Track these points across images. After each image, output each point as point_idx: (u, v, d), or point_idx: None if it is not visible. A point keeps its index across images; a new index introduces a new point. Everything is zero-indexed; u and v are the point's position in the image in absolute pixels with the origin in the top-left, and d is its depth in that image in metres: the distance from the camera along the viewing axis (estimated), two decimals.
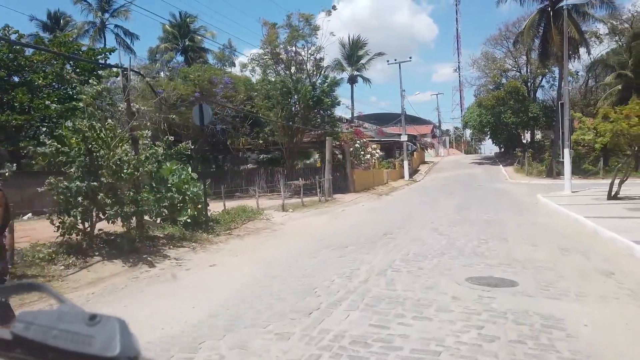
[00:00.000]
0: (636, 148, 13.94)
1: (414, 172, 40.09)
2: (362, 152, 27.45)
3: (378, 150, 30.29)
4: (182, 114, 23.65)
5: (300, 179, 18.54)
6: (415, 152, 45.67)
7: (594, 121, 33.61)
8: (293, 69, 22.97)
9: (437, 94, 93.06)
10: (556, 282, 5.30)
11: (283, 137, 23.40)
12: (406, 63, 44.03)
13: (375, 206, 17.58)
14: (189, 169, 10.56)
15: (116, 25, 45.09)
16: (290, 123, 21.67)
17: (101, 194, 7.07)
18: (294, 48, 22.13)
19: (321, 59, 23.56)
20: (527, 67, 43.27)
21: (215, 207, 13.31)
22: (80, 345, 0.54)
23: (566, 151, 18.18)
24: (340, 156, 25.40)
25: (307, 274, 5.87)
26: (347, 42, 43.19)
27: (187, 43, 42.49)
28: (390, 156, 41.30)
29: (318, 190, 18.94)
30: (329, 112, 23.12)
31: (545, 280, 5.38)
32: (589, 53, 32.06)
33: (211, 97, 23.25)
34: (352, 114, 40.58)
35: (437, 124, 69.38)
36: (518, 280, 5.38)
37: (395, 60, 35.47)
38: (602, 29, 38.49)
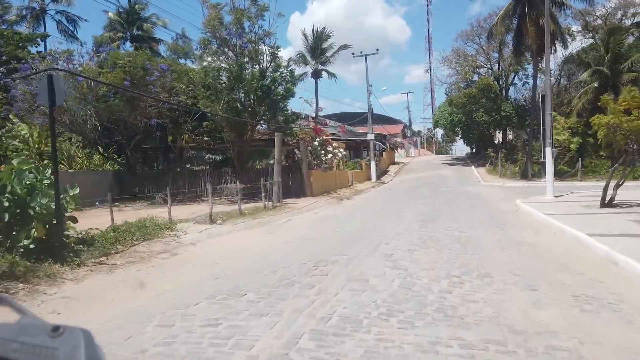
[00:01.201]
0: (635, 146, 11.60)
1: (382, 173, 37.62)
2: (323, 152, 24.63)
3: (341, 150, 27.54)
4: (112, 106, 20.35)
5: (237, 182, 15.53)
6: (384, 152, 43.31)
7: (569, 120, 32.21)
8: (246, 58, 19.89)
9: (407, 93, 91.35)
10: None
11: (230, 134, 20.32)
12: (379, 66, 41.75)
13: (329, 214, 14.78)
14: (48, 171, 7.41)
15: (57, 11, 40.93)
16: (234, 116, 18.59)
17: None
18: (239, 31, 19.04)
19: (277, 47, 20.56)
20: (499, 64, 41.52)
21: (148, 214, 10.27)
22: (43, 358, 0.52)
23: (548, 150, 15.84)
24: (300, 156, 22.54)
25: None
26: (310, 33, 40.30)
27: (135, 32, 38.69)
28: (358, 156, 38.74)
29: (263, 195, 15.98)
30: (281, 104, 20.13)
31: None
32: (564, 47, 30.26)
33: (144, 86, 19.99)
34: (317, 110, 37.76)
35: (408, 124, 67.44)
36: None
37: (361, 52, 32.85)
38: (575, 25, 37.18)
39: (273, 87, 18.93)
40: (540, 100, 17.46)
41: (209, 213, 12.36)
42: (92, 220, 9.89)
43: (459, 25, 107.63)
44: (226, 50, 19.83)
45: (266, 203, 15.96)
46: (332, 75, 42.75)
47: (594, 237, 7.73)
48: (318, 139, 23.35)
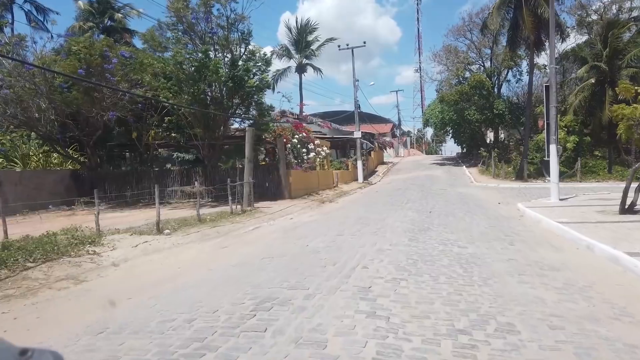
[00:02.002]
0: None
1: (370, 173, 35.75)
2: (304, 150, 22.60)
3: (325, 148, 25.50)
4: (68, 98, 18.09)
5: (195, 182, 13.43)
6: (372, 152, 41.45)
7: (564, 118, 30.58)
8: (215, 45, 17.80)
9: (396, 91, 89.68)
10: None
11: (197, 130, 18.19)
12: (369, 67, 39.71)
13: (304, 221, 12.76)
14: None
15: (26, 0, 38.30)
16: (201, 110, 16.48)
17: None
18: (206, 15, 16.93)
19: (249, 33, 18.45)
20: (491, 61, 39.86)
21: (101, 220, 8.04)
22: None
23: (552, 147, 14.01)
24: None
25: None
26: (294, 25, 38.25)
27: (107, 22, 36.23)
28: (344, 155, 36.84)
29: (230, 198, 13.91)
30: (256, 97, 18.06)
31: None
32: (562, 41, 28.63)
33: (102, 76, 17.78)
34: (301, 106, 35.73)
35: (397, 123, 65.70)
36: None
37: (347, 45, 30.86)
38: (570, 21, 35.74)
39: (246, 78, 16.87)
40: (542, 92, 15.62)
41: (156, 221, 10.28)
42: (27, 229, 7.77)
43: (449, 24, 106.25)
44: (193, 36, 17.72)
45: (234, 207, 13.92)
46: (317, 69, 40.84)
47: (636, 257, 5.84)
48: (298, 136, 21.28)
